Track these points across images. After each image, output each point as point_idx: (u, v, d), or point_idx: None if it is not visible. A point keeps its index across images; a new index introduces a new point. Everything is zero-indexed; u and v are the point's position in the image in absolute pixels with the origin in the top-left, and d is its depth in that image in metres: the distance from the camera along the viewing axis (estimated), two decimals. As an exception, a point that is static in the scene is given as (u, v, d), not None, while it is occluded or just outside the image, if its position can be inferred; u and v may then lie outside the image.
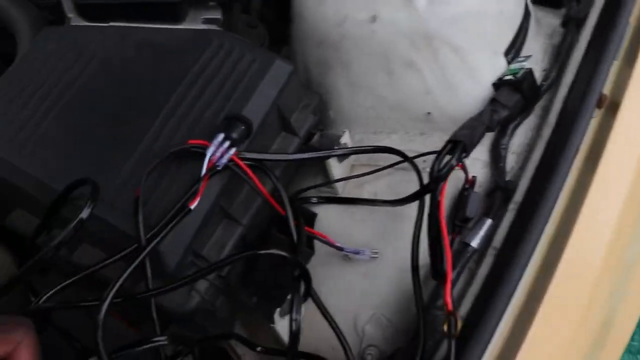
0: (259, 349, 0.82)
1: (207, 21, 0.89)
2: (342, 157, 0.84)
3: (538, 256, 0.68)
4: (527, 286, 0.67)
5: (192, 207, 0.68)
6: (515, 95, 0.79)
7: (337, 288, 0.83)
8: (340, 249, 0.79)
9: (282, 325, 0.83)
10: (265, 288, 0.77)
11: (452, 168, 0.66)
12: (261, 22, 1.10)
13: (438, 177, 0.65)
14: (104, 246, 0.75)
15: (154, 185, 0.73)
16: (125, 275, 0.65)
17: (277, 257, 0.69)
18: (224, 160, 0.70)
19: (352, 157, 0.88)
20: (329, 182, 0.85)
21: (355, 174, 0.86)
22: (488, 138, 0.83)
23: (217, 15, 0.89)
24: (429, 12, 0.79)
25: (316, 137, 0.86)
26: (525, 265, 0.65)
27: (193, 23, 0.88)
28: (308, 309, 0.81)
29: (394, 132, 0.87)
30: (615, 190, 0.72)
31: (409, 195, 0.73)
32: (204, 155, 0.69)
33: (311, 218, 0.86)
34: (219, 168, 0.70)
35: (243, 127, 0.72)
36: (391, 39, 0.80)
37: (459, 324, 0.59)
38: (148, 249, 0.67)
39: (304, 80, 0.94)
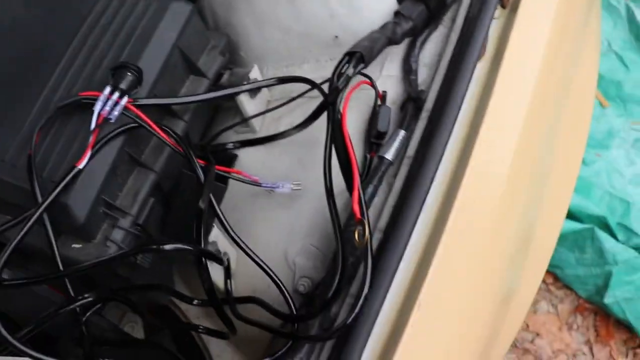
0: (195, 302, 0.81)
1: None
2: (253, 93, 0.82)
3: (448, 161, 0.66)
4: (441, 191, 0.66)
5: (80, 166, 0.66)
6: (418, 6, 0.77)
7: (266, 225, 0.82)
8: (257, 183, 0.77)
9: (216, 275, 0.81)
10: (182, 229, 0.75)
11: (348, 78, 0.64)
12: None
13: (336, 88, 0.64)
14: (14, 209, 0.73)
15: (54, 142, 0.71)
16: (20, 235, 0.64)
17: (192, 195, 0.69)
18: (116, 112, 0.67)
19: (267, 94, 0.87)
20: (243, 120, 0.83)
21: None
22: (400, 54, 0.81)
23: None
24: None
25: (225, 76, 0.84)
26: (435, 169, 0.64)
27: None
28: (242, 252, 0.80)
29: (305, 62, 0.85)
30: (520, 87, 0.71)
31: (311, 114, 0.71)
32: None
33: (231, 159, 0.85)
34: (111, 121, 0.68)
35: (131, 75, 0.69)
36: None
37: (367, 232, 0.58)
38: (42, 207, 0.65)
39: (212, 23, 0.91)
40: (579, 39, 0.94)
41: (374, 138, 0.73)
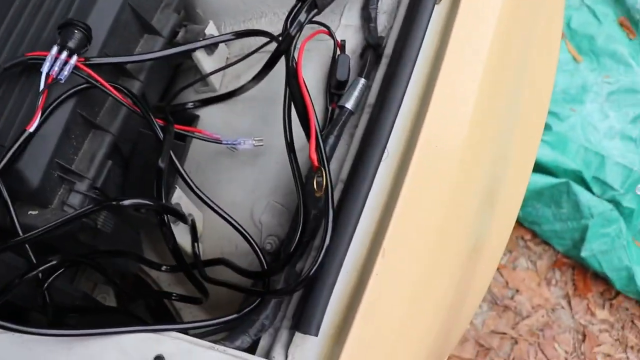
0: (164, 268, 0.79)
1: None
2: (210, 50, 0.79)
3: (408, 107, 0.65)
4: (402, 138, 0.64)
5: (31, 130, 0.64)
6: None
7: (231, 184, 0.80)
8: (218, 141, 0.75)
9: (183, 238, 0.80)
10: (143, 190, 0.73)
11: (301, 24, 0.62)
12: None
13: (288, 35, 0.62)
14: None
15: (2, 106, 0.68)
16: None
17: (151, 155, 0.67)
18: (66, 72, 0.65)
19: (225, 50, 0.84)
20: (201, 78, 0.80)
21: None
22: (359, 2, 0.79)
23: None
24: None
25: (181, 34, 0.81)
26: (394, 116, 0.62)
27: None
28: (208, 214, 0.79)
29: (263, 16, 0.83)
30: (480, 30, 0.69)
31: (265, 63, 0.69)
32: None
33: (192, 119, 0.83)
34: (61, 81, 0.65)
35: (79, 33, 0.66)
36: None
37: (326, 181, 0.57)
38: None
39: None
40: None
41: (334, 88, 0.72)
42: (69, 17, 0.69)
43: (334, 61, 0.72)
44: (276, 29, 0.78)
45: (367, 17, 0.76)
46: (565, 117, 1.77)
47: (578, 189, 1.64)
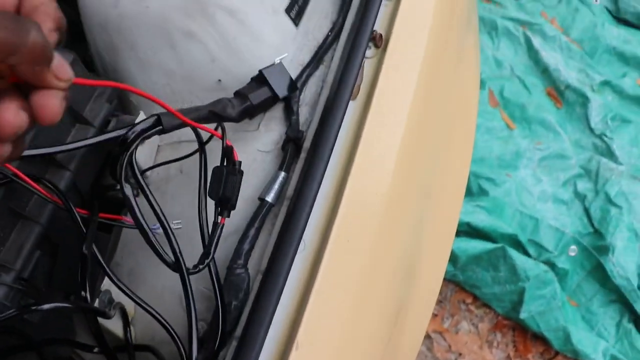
0: (95, 350, 0.80)
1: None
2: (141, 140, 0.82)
3: (324, 200, 0.68)
4: (318, 231, 0.67)
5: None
6: (262, 89, 0.79)
7: (160, 269, 0.81)
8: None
9: (114, 323, 0.81)
10: (71, 279, 0.74)
11: (139, 134, 0.66)
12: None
13: (124, 140, 0.66)
14: None
15: None
16: None
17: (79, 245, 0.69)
18: None
19: (157, 138, 0.87)
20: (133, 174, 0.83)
21: (162, 154, 0.85)
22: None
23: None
24: (198, -21, 0.79)
25: (112, 123, 0.84)
26: (308, 212, 0.66)
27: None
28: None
29: (190, 104, 0.86)
30: (392, 124, 0.74)
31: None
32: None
33: (120, 204, 0.85)
34: None
35: None
36: (165, 11, 0.79)
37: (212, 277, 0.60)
38: None
39: (99, 68, 0.91)
40: (455, 66, 0.98)
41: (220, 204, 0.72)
42: None
43: (218, 173, 0.72)
44: None
45: (289, 110, 0.80)
46: (501, 182, 1.85)
47: (514, 253, 1.70)
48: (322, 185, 0.68)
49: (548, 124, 1.96)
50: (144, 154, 0.85)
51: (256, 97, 0.78)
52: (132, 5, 0.80)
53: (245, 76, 0.83)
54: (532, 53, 2.12)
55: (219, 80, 0.83)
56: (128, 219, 0.78)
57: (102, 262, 0.72)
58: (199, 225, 0.68)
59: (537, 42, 2.13)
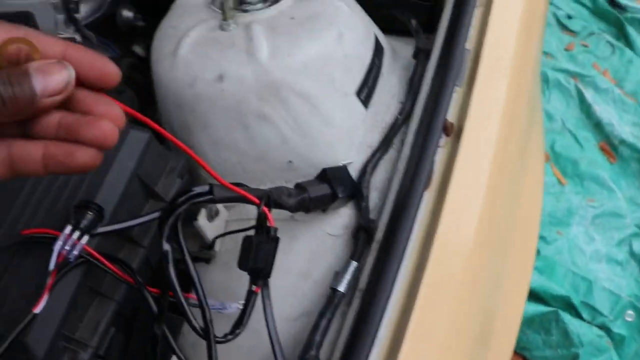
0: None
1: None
2: (210, 215, 0.84)
3: (399, 293, 0.69)
4: (392, 325, 0.67)
5: (37, 311, 0.67)
6: (322, 186, 0.81)
7: (227, 351, 0.82)
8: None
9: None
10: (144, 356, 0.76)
11: (185, 200, 0.67)
12: (130, 87, 1.10)
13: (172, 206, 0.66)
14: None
15: (13, 276, 0.72)
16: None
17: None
18: (76, 252, 0.69)
19: (225, 214, 0.89)
20: (201, 248, 0.85)
21: (231, 230, 0.86)
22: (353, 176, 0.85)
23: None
24: (272, 64, 0.81)
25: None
26: (385, 305, 0.66)
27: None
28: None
29: (261, 184, 0.87)
30: (467, 218, 0.74)
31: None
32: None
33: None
34: (71, 261, 0.69)
35: (92, 215, 0.71)
36: (240, 94, 0.82)
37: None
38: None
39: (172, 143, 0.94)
40: (523, 149, 0.98)
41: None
42: (83, 199, 0.73)
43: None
44: None
45: (360, 194, 0.81)
46: (552, 240, 1.82)
47: (566, 316, 1.66)
48: (396, 279, 0.68)
49: (601, 180, 1.93)
50: (213, 227, 0.87)
51: (315, 191, 0.79)
52: (208, 87, 0.82)
53: (315, 158, 0.85)
54: (584, 106, 2.10)
55: (290, 161, 0.85)
56: (193, 295, 0.79)
57: (173, 344, 0.73)
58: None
59: (589, 94, 2.11)
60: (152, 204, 0.84)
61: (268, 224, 0.68)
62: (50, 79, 0.44)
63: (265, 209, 0.69)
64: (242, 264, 0.68)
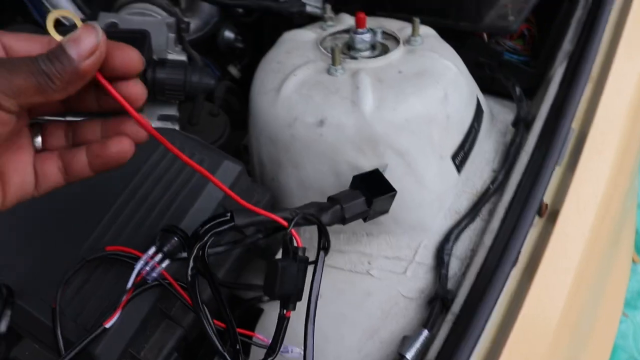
0: None
1: (163, 117, 0.90)
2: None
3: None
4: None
5: (107, 326, 0.68)
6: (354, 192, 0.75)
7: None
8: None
9: None
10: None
11: (206, 232, 0.66)
12: (224, 110, 1.13)
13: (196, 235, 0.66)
14: (45, 345, 0.75)
15: (93, 287, 0.74)
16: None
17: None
18: (155, 274, 0.69)
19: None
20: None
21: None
22: (435, 240, 0.83)
23: (173, 112, 0.91)
24: (375, 117, 0.80)
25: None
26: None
27: (149, 119, 0.89)
28: None
29: (341, 232, 0.87)
30: (552, 302, 0.72)
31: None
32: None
33: (257, 314, 0.86)
34: (149, 281, 0.70)
35: (177, 241, 0.72)
36: (338, 142, 0.82)
37: None
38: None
39: (258, 173, 0.95)
40: (617, 231, 0.95)
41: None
42: (171, 224, 0.74)
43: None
44: (352, 247, 0.85)
45: (440, 260, 0.80)
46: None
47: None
48: (471, 356, 0.66)
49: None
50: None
51: (347, 199, 0.74)
52: (307, 130, 0.83)
53: (401, 216, 0.84)
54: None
55: (377, 216, 0.84)
56: (262, 337, 0.78)
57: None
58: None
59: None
60: (233, 235, 0.85)
61: (296, 245, 0.65)
62: (82, 43, 0.50)
63: (293, 232, 0.66)
64: (268, 291, 0.65)
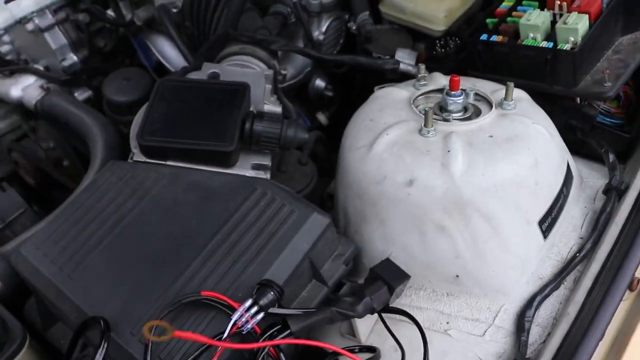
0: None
1: (257, 167, 0.94)
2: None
3: None
4: None
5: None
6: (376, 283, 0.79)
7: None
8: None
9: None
10: None
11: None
12: (312, 158, 1.16)
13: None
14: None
15: (183, 327, 0.77)
16: None
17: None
18: (249, 326, 0.72)
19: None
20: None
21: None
22: (517, 305, 0.83)
23: (266, 161, 0.95)
24: (464, 180, 0.81)
25: (345, 288, 0.87)
26: None
27: (243, 167, 0.94)
28: None
29: (422, 289, 0.88)
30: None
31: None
32: (228, 310, 0.73)
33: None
34: (243, 332, 0.72)
35: (273, 295, 0.74)
36: (426, 203, 0.83)
37: None
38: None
39: (342, 224, 0.97)
40: None
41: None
42: (268, 279, 0.76)
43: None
44: (431, 306, 0.86)
45: (520, 327, 0.79)
46: None
47: None
48: None
49: None
50: (365, 322, 0.88)
51: (372, 291, 0.78)
52: (396, 189, 0.85)
53: (482, 277, 0.84)
54: None
55: (457, 275, 0.85)
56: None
57: None
58: None
59: None
60: (314, 285, 0.87)
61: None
62: None
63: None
64: None
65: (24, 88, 1.43)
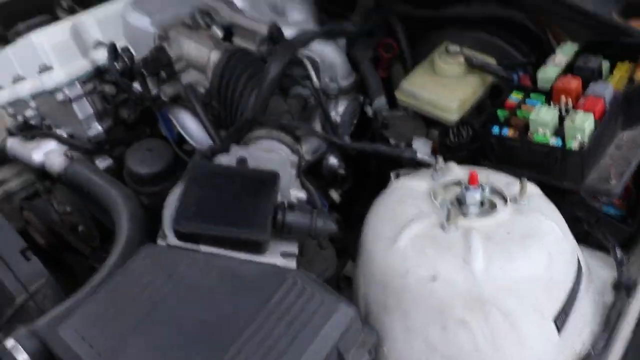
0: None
1: (285, 254, 0.99)
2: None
3: None
4: None
5: None
6: None
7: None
8: None
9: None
10: None
11: None
12: (330, 240, 1.20)
13: None
14: None
15: None
16: None
17: None
18: None
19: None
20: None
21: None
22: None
23: (293, 249, 1.00)
24: (484, 277, 0.87)
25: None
26: None
27: (273, 255, 0.98)
28: None
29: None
30: None
31: None
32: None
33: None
34: None
35: None
36: (448, 297, 0.88)
37: None
38: None
39: (363, 312, 1.01)
40: None
41: None
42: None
43: None
44: None
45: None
46: None
47: None
48: None
49: None
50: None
51: None
52: (418, 283, 0.90)
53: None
54: None
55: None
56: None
57: None
58: None
59: None
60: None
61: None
62: None
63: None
64: None
65: (46, 153, 1.48)
